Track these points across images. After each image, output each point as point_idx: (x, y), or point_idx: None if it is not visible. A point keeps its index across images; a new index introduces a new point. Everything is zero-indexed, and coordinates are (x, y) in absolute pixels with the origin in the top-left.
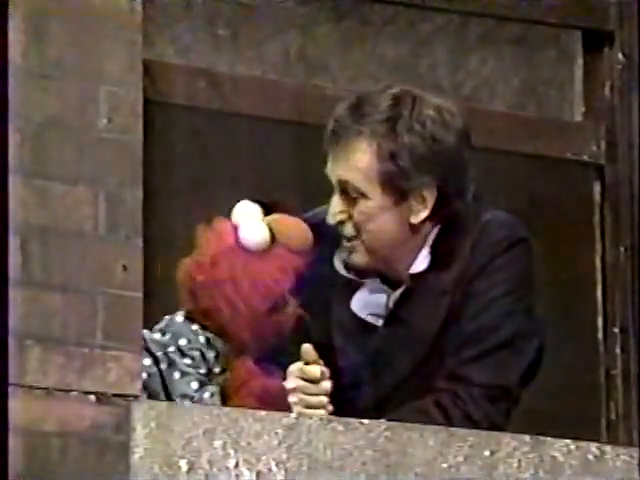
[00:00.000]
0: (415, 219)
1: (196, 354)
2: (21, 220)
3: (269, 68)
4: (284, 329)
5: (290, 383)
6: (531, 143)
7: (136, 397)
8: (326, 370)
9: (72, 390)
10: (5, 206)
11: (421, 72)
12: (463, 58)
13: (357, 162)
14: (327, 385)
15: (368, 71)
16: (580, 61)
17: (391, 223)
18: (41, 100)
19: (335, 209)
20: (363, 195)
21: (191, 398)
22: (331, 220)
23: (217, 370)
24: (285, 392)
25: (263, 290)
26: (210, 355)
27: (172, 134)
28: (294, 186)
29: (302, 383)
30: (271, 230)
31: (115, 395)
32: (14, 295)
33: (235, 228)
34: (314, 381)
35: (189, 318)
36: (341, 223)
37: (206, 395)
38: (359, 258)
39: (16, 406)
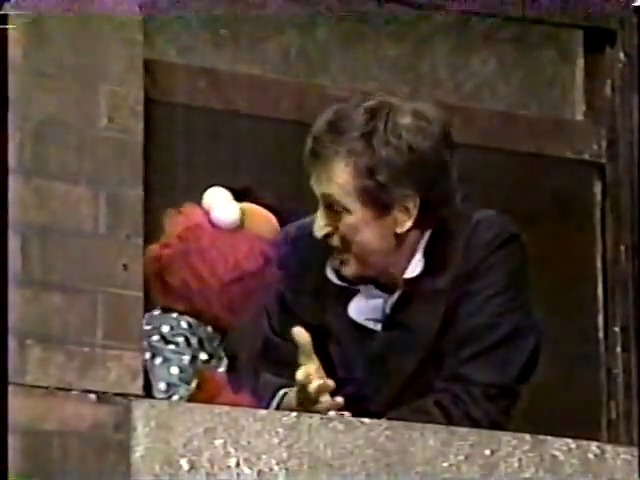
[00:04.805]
0: (400, 229)
1: (180, 340)
2: (21, 220)
3: (269, 67)
4: (255, 296)
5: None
6: (531, 142)
7: (137, 396)
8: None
9: (72, 389)
10: (5, 206)
11: (421, 72)
12: (464, 58)
13: (337, 179)
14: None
15: (368, 71)
16: (581, 60)
17: (376, 235)
18: (41, 100)
19: (321, 223)
20: (345, 209)
21: (167, 385)
22: (318, 234)
23: (203, 357)
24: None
25: (231, 263)
26: (194, 341)
27: (172, 134)
28: (294, 185)
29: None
30: (242, 215)
31: (116, 394)
32: (14, 295)
33: (205, 212)
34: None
35: (165, 309)
36: (328, 236)
37: (175, 398)
38: (351, 270)
39: (16, 405)
